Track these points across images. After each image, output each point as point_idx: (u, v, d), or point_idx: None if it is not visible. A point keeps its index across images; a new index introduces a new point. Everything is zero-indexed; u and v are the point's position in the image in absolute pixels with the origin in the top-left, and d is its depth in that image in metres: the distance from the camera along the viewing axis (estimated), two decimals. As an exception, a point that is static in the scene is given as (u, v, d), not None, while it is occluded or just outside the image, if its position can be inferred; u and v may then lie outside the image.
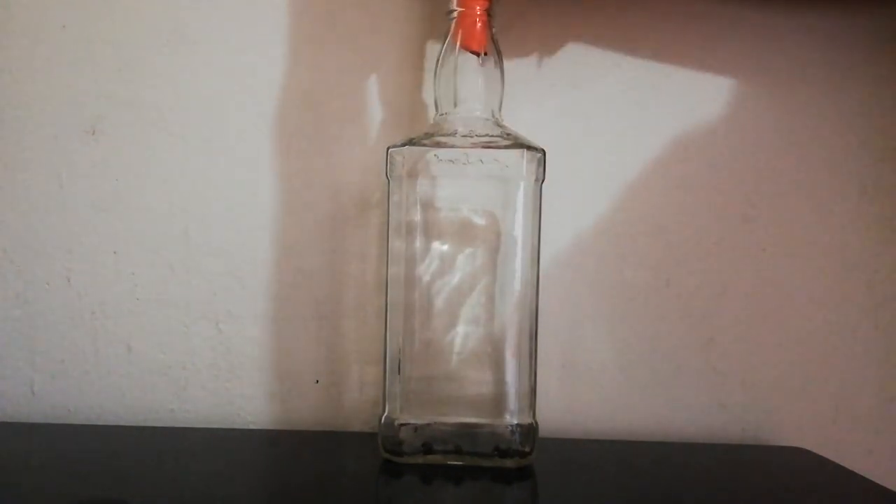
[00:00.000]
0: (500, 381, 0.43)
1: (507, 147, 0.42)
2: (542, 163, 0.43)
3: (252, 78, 0.51)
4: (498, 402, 0.43)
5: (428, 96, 0.51)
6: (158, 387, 0.51)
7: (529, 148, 0.42)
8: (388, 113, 0.51)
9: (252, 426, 0.51)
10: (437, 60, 0.44)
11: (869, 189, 0.52)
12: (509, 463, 0.42)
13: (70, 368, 0.51)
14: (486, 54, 0.43)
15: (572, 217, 0.51)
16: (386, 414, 0.43)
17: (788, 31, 0.51)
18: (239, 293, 0.51)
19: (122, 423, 0.51)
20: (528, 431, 0.43)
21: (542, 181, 0.43)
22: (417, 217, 0.43)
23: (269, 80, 0.51)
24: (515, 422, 0.42)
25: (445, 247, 0.43)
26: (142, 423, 0.51)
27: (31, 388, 0.51)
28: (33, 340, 0.51)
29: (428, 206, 0.43)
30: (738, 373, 0.52)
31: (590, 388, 0.52)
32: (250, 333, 0.51)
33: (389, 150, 0.43)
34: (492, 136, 0.42)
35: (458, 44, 0.43)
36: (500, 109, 0.44)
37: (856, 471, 0.45)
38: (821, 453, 0.49)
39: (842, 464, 0.46)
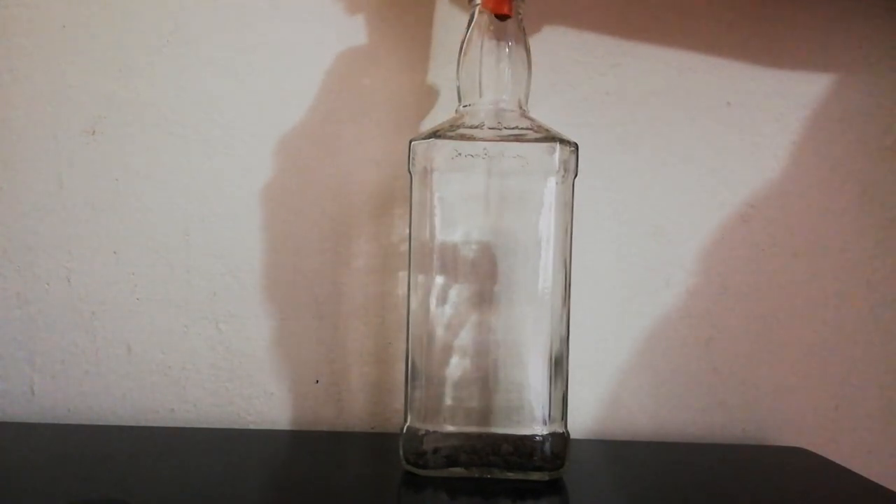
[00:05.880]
0: (529, 388, 0.40)
1: (537, 140, 0.40)
2: (575, 157, 0.41)
3: (252, 77, 0.51)
4: (527, 410, 0.40)
5: (431, 97, 0.51)
6: (158, 387, 0.51)
7: (562, 141, 0.40)
8: (389, 111, 0.51)
9: (252, 426, 0.51)
10: (461, 49, 0.42)
11: (869, 189, 0.52)
12: (540, 476, 0.40)
13: (70, 368, 0.51)
14: (510, 25, 0.41)
15: (573, 216, 0.51)
16: (408, 423, 0.41)
17: (788, 32, 0.51)
18: (239, 293, 0.51)
19: (122, 423, 0.51)
20: (560, 442, 0.40)
21: (576, 176, 0.41)
22: (440, 213, 0.40)
23: (268, 80, 0.51)
24: (546, 431, 0.40)
25: (472, 245, 0.41)
26: (142, 423, 0.51)
27: (31, 388, 0.51)
28: (33, 340, 0.51)
29: (453, 201, 0.40)
30: (738, 373, 0.52)
31: (590, 388, 0.52)
32: (250, 333, 0.51)
33: (412, 143, 0.41)
34: (521, 128, 0.40)
35: (483, 31, 0.41)
36: (527, 100, 0.42)
37: (856, 471, 0.45)
38: (821, 453, 0.49)
39: (842, 464, 0.46)
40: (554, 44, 0.51)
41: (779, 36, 0.51)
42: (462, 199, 0.41)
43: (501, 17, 0.41)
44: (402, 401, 0.43)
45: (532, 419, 0.40)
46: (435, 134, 0.40)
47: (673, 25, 0.51)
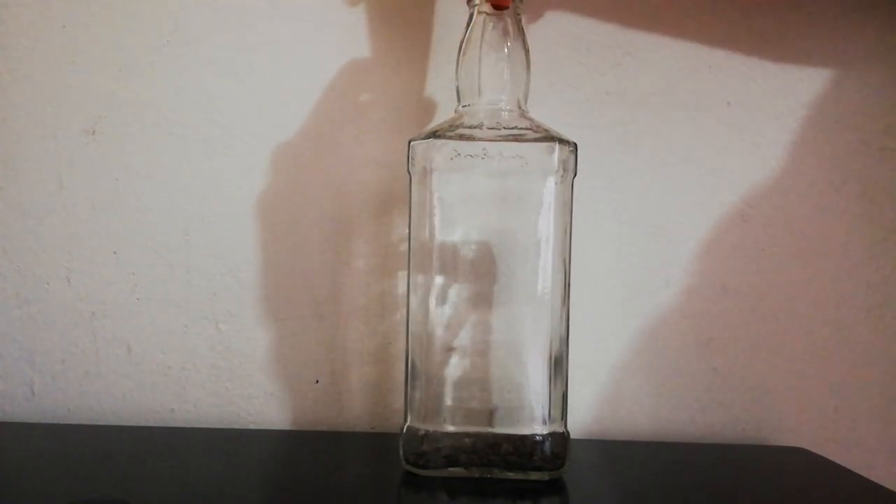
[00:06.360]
0: (529, 388, 0.40)
1: (536, 140, 0.40)
2: (574, 156, 0.41)
3: (252, 77, 0.51)
4: (527, 410, 0.40)
5: (430, 97, 0.51)
6: (158, 387, 0.51)
7: (560, 141, 0.40)
8: (389, 111, 0.51)
9: (252, 426, 0.51)
10: (460, 49, 0.42)
11: (869, 189, 0.52)
12: (540, 476, 0.40)
13: (70, 368, 0.51)
14: (507, 17, 0.41)
15: (572, 216, 0.51)
16: (408, 423, 0.41)
17: (788, 31, 0.51)
18: (239, 293, 0.51)
19: (122, 423, 0.51)
20: (560, 441, 0.40)
21: (575, 176, 0.41)
22: (440, 213, 0.40)
23: (268, 80, 0.51)
24: (546, 431, 0.40)
25: (471, 245, 0.40)
26: (142, 423, 0.51)
27: (31, 388, 0.51)
28: (33, 340, 0.51)
29: (452, 201, 0.40)
30: (738, 373, 0.52)
31: (589, 388, 0.52)
32: (250, 333, 0.51)
33: (411, 143, 0.41)
34: (520, 128, 0.40)
35: (482, 32, 0.41)
36: (526, 100, 0.42)
37: (856, 471, 0.45)
38: (821, 453, 0.49)
39: (842, 464, 0.46)
40: (554, 43, 0.51)
41: (779, 36, 0.51)
42: (461, 199, 0.41)
43: (498, 8, 0.41)
44: (402, 401, 0.43)
45: (532, 419, 0.40)
46: (434, 134, 0.40)
47: (672, 25, 0.51)
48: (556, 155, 0.40)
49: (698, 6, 0.51)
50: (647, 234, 0.52)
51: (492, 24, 0.41)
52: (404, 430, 0.41)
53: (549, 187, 0.40)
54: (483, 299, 0.41)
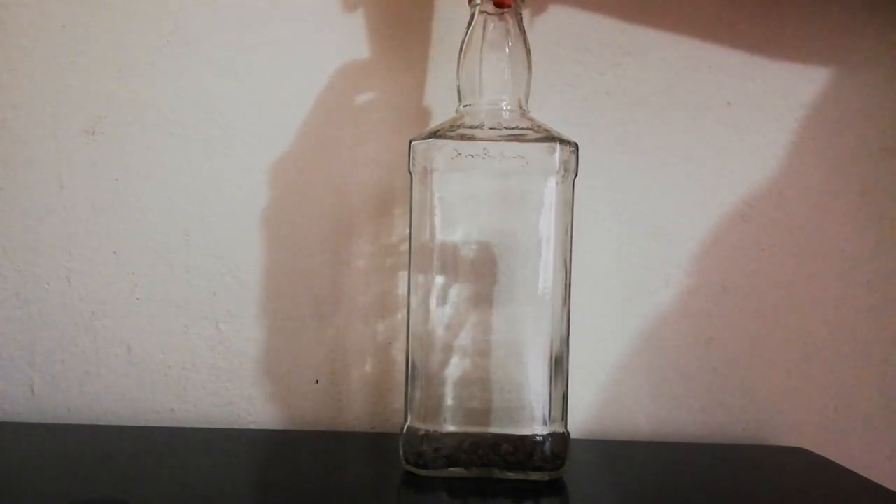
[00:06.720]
0: (529, 388, 0.40)
1: (537, 140, 0.40)
2: (575, 156, 0.41)
3: (252, 77, 0.51)
4: (527, 410, 0.40)
5: (430, 97, 0.51)
6: (158, 387, 0.51)
7: (562, 141, 0.40)
8: (389, 111, 0.51)
9: (252, 426, 0.51)
10: (461, 49, 0.42)
11: (869, 189, 0.52)
12: (540, 476, 0.40)
13: (70, 368, 0.51)
14: (510, 16, 0.41)
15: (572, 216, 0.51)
16: (408, 423, 0.41)
17: (789, 31, 0.52)
18: (239, 293, 0.51)
19: (122, 423, 0.51)
20: (560, 441, 0.40)
21: (576, 176, 0.41)
22: (440, 213, 0.40)
23: (268, 80, 0.51)
24: (546, 431, 0.40)
25: (472, 245, 0.41)
26: (142, 423, 0.51)
27: (31, 388, 0.51)
28: (33, 340, 0.51)
29: (453, 201, 0.40)
30: (738, 373, 0.52)
31: (589, 388, 0.52)
32: (250, 333, 0.51)
33: (412, 143, 0.41)
34: (521, 128, 0.40)
35: (483, 31, 0.41)
36: (527, 100, 0.42)
37: (856, 471, 0.45)
38: (821, 453, 0.49)
39: (842, 464, 0.46)
40: (554, 43, 0.51)
41: (779, 36, 0.51)
42: (462, 199, 0.41)
43: (500, 7, 0.41)
44: (402, 401, 0.43)
45: (532, 419, 0.40)
46: (435, 134, 0.40)
47: (672, 25, 0.51)
48: (557, 155, 0.40)
49: (698, 6, 0.51)
50: (647, 234, 0.52)
51: (493, 23, 0.41)
52: (404, 430, 0.41)
53: (551, 187, 0.40)
54: (484, 299, 0.41)
